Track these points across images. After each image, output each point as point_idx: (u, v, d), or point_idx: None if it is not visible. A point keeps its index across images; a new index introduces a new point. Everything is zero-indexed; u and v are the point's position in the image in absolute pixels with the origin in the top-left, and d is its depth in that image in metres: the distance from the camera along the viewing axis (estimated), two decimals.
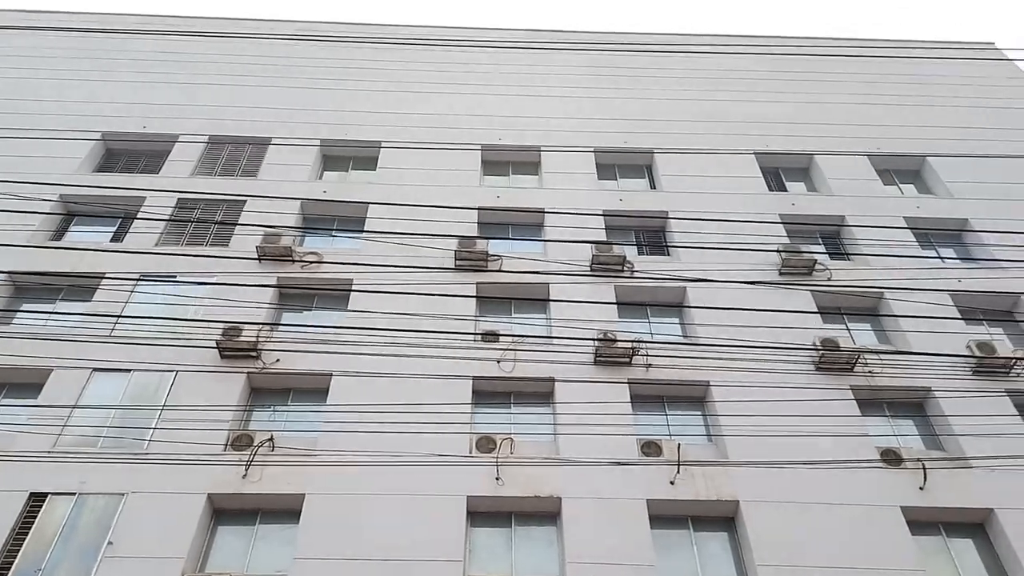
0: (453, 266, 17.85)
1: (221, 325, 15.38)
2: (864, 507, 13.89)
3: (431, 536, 13.06)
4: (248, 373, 15.56)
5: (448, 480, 13.82)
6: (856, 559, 13.10)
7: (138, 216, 18.60)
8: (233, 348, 15.59)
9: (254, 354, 15.68)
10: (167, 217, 18.68)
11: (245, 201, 19.41)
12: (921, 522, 13.97)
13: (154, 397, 15.17)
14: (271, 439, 14.35)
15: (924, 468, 14.41)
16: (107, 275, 17.22)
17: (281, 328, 16.85)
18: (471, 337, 16.06)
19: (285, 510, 13.61)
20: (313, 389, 15.62)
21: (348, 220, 19.34)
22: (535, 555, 13.47)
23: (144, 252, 17.72)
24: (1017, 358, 16.10)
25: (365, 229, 18.48)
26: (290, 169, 20.98)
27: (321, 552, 12.79)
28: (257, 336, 15.64)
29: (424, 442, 13.88)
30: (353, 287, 16.90)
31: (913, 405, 16.22)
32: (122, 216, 19.14)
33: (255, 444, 14.20)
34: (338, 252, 18.38)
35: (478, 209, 19.45)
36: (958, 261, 19.65)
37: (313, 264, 17.89)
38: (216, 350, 15.58)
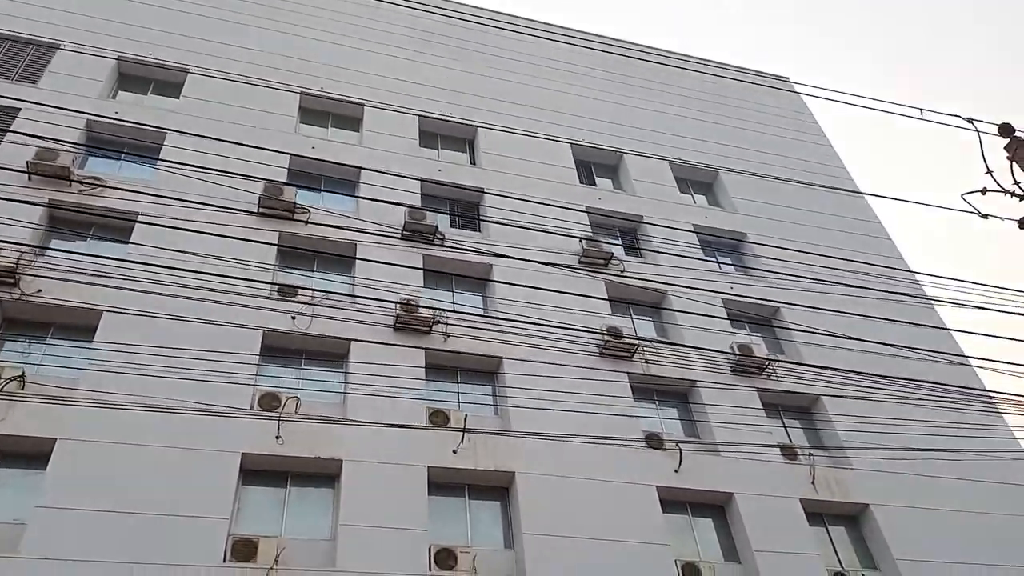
0: (256, 212, 16.96)
1: None
2: (626, 484, 15.03)
3: (197, 492, 12.41)
4: (1, 300, 13.84)
5: (223, 435, 13.19)
6: (614, 531, 14.17)
7: None
8: None
9: (12, 280, 13.96)
10: None
11: (19, 109, 17.08)
12: (672, 501, 15.39)
13: None
14: (22, 375, 12.90)
15: (680, 452, 15.82)
16: None
17: (48, 255, 15.11)
18: (267, 288, 15.44)
19: (30, 454, 12.35)
20: (79, 325, 14.21)
21: (141, 148, 17.64)
22: (308, 516, 13.25)
23: None
24: (770, 361, 18.09)
25: (161, 158, 16.98)
26: (79, 82, 18.78)
27: (69, 502, 11.72)
28: (17, 261, 13.94)
29: (201, 393, 13.11)
30: (139, 220, 15.50)
31: (678, 395, 17.74)
32: None
33: (2, 379, 12.69)
34: (126, 180, 16.74)
35: (291, 155, 18.51)
36: (732, 270, 21.67)
37: (95, 189, 16.18)
38: None
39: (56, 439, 12.37)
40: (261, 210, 17.04)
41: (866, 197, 25.41)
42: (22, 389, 12.81)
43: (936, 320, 20.78)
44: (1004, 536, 16.60)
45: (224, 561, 11.88)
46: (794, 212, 23.57)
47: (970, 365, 17.76)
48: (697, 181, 24.23)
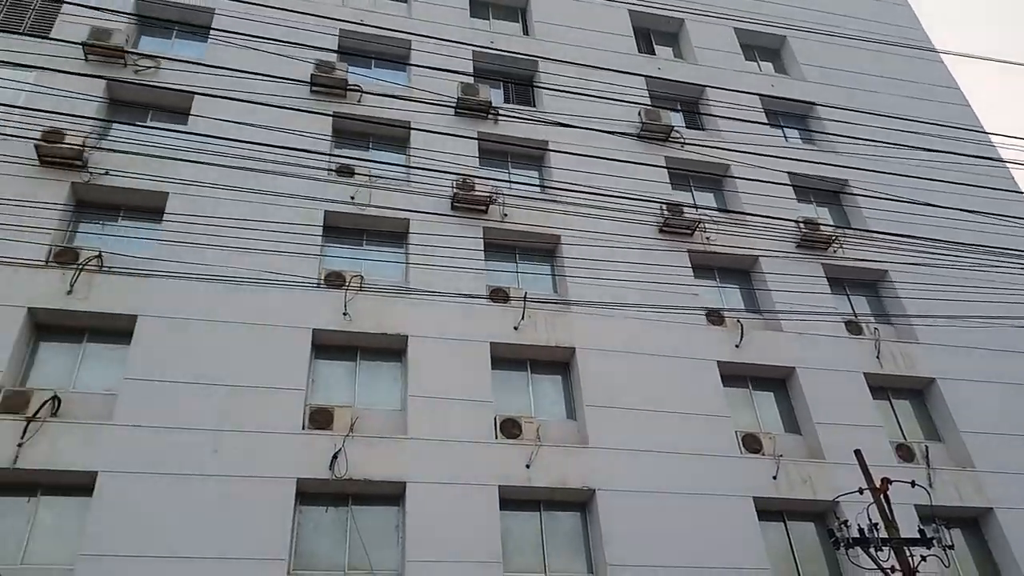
0: (309, 91, 16.73)
1: (40, 128, 13.66)
2: (686, 359, 15.14)
3: (273, 365, 12.93)
4: (72, 184, 14.10)
5: (294, 311, 13.59)
6: (674, 403, 14.41)
7: None
8: (54, 155, 13.98)
9: (80, 162, 14.16)
10: None
11: None
12: (733, 375, 15.48)
13: None
14: (99, 256, 13.31)
15: (742, 328, 15.76)
16: None
17: (111, 137, 15.23)
18: (325, 168, 15.41)
19: (115, 330, 12.93)
20: (147, 208, 14.47)
21: (191, 25, 17.25)
22: (379, 389, 13.73)
23: None
24: (836, 235, 17.59)
25: (214, 27, 16.63)
26: None
27: (153, 374, 12.35)
28: (83, 143, 14.07)
29: (270, 269, 13.45)
30: (195, 96, 15.34)
31: (740, 272, 17.49)
32: None
33: (81, 260, 13.13)
34: (179, 57, 16.46)
35: (340, 26, 17.95)
36: (799, 141, 20.80)
37: (149, 69, 16.06)
38: (36, 157, 13.94)
39: (137, 315, 12.90)
40: (314, 88, 16.79)
41: (942, 57, 23.89)
42: (100, 270, 13.24)
43: (1011, 184, 19.84)
44: None
45: (303, 428, 12.52)
46: (865, 78, 22.31)
47: None
48: (763, 47, 22.95)
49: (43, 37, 15.78)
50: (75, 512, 11.21)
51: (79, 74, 14.77)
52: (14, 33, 15.85)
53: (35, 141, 13.77)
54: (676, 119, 19.74)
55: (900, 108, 20.64)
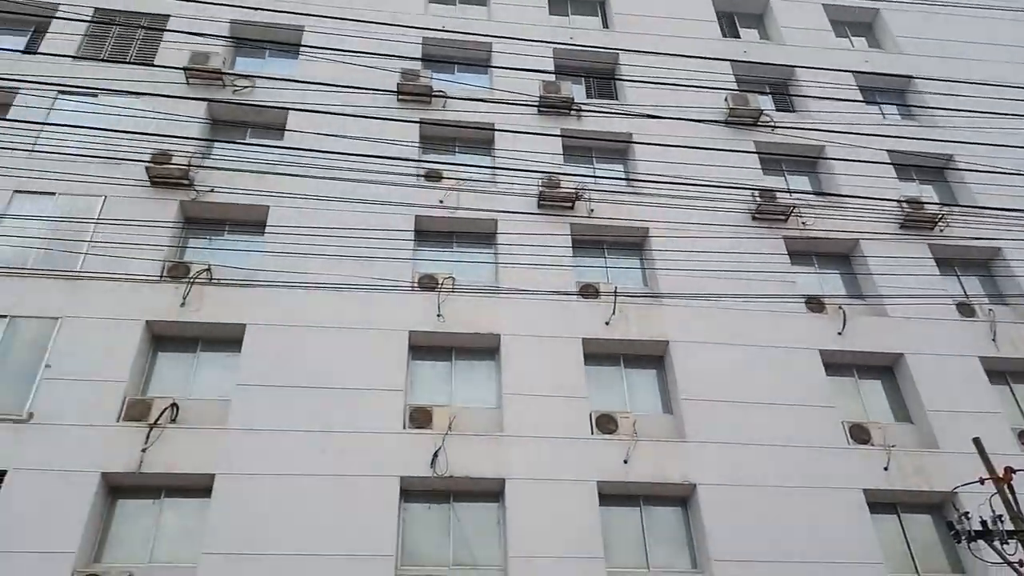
0: (396, 99, 17.13)
1: (149, 150, 14.60)
2: (786, 348, 14.71)
3: (373, 367, 13.34)
4: (181, 202, 14.95)
5: (390, 314, 13.98)
6: (774, 395, 14.03)
7: (55, 21, 16.86)
8: (163, 176, 14.86)
9: (186, 181, 15.00)
10: (87, 21, 17.04)
11: (168, 18, 17.83)
12: (836, 364, 14.95)
13: (83, 221, 14.47)
14: (208, 269, 14.06)
15: (844, 314, 15.20)
16: (26, 81, 15.58)
17: (214, 156, 16.05)
18: (414, 174, 15.79)
19: (226, 339, 13.61)
20: (250, 221, 15.17)
21: (282, 43, 17.98)
22: (474, 387, 13.95)
23: (63, 56, 15.96)
24: (943, 213, 16.72)
25: (303, 44, 17.28)
26: None
27: (263, 379, 12.96)
28: (188, 163, 14.90)
29: (367, 274, 13.98)
30: (290, 112, 16.00)
31: (840, 257, 16.86)
32: (31, 29, 17.49)
33: (192, 274, 13.92)
34: (272, 76, 17.17)
35: (423, 34, 18.29)
36: (898, 118, 19.87)
37: (246, 88, 16.83)
38: (147, 178, 14.86)
39: (246, 324, 13.55)
40: (400, 97, 17.18)
41: None
42: (209, 282, 13.99)
43: None
44: None
45: (404, 428, 12.88)
46: (966, 46, 21.09)
47: None
48: (854, 22, 22.01)
49: (148, 64, 16.77)
50: (196, 513, 11.88)
51: (182, 97, 15.57)
52: (121, 62, 16.93)
53: (146, 164, 14.69)
54: (765, 103, 19.18)
55: (1006, 76, 19.39)
